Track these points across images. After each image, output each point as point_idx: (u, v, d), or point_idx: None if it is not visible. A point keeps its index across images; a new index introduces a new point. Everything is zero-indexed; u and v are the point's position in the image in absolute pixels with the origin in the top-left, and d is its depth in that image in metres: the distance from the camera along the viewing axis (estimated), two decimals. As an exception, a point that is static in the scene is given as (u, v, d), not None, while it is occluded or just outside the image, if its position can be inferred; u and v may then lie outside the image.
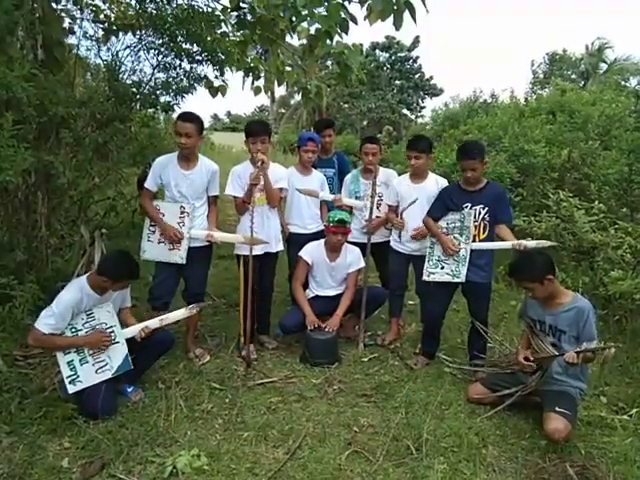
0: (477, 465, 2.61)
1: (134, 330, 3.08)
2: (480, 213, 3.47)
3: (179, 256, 3.49)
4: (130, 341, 3.05)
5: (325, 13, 3.92)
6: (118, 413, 2.93)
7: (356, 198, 4.22)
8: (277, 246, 3.83)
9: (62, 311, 2.84)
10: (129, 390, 3.13)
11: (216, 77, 4.97)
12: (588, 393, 3.20)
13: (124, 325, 3.15)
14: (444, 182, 3.88)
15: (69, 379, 2.86)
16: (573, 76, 26.53)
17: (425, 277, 3.64)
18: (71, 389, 2.86)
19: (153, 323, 3.13)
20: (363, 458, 2.66)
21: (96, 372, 2.93)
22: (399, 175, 4.28)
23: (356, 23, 3.87)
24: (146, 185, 3.53)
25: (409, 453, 2.69)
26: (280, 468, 2.54)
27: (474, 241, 3.48)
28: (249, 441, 2.76)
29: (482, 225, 3.48)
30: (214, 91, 5.09)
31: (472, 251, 3.47)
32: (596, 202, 4.95)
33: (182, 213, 3.48)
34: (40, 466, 2.48)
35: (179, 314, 3.22)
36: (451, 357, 3.76)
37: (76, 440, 2.67)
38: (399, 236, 3.96)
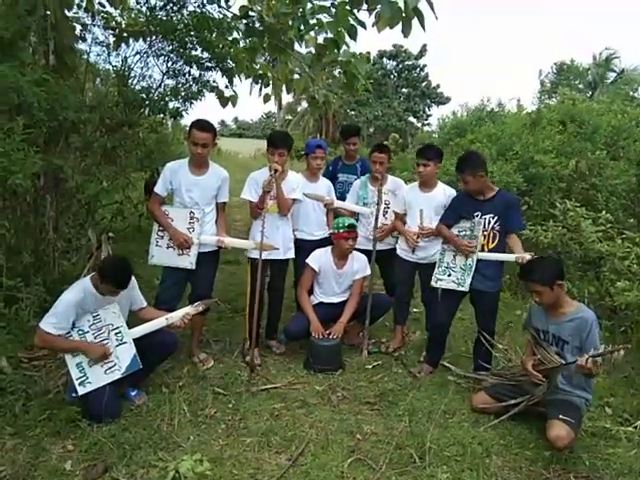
0: (480, 475, 2.59)
1: (141, 331, 3.10)
2: (490, 222, 3.46)
3: (189, 262, 3.49)
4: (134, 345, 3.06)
5: (333, 19, 3.95)
6: (122, 417, 2.93)
7: (364, 204, 4.22)
8: (287, 253, 3.84)
9: (64, 310, 2.86)
10: (133, 394, 3.14)
11: (226, 87, 5.02)
12: (593, 404, 3.17)
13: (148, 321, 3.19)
14: (452, 192, 3.87)
15: (78, 381, 2.87)
16: (580, 86, 26.48)
17: (433, 283, 3.64)
18: (81, 390, 2.86)
19: (159, 322, 3.15)
20: (366, 466, 2.65)
21: (105, 373, 2.94)
22: (406, 182, 4.29)
23: (365, 28, 3.89)
24: (156, 190, 3.54)
25: (412, 462, 2.68)
26: (283, 474, 2.53)
27: (482, 250, 3.48)
28: (252, 447, 2.76)
29: (492, 234, 3.47)
30: (224, 101, 5.13)
31: (479, 260, 3.47)
32: (603, 212, 4.93)
33: (192, 219, 3.50)
34: (43, 468, 2.48)
35: (184, 311, 3.24)
36: (455, 366, 3.75)
37: (79, 443, 2.68)
38: (412, 250, 3.94)
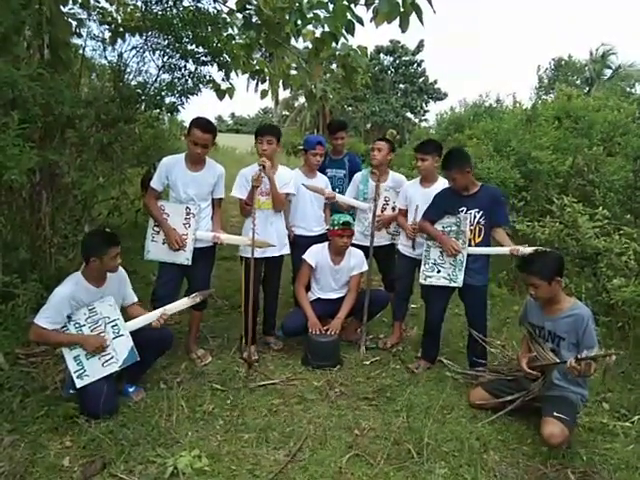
0: (478, 470, 2.60)
1: (137, 323, 3.09)
2: (475, 217, 3.47)
3: (185, 257, 3.49)
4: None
5: (331, 15, 3.93)
6: (119, 413, 2.93)
7: (364, 199, 4.21)
8: (281, 250, 3.84)
9: (57, 304, 2.85)
10: (131, 390, 3.13)
11: (223, 80, 5.00)
12: (590, 399, 3.18)
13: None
14: None
15: (76, 374, 2.86)
16: (578, 82, 26.51)
17: (422, 280, 3.64)
18: (79, 383, 2.85)
19: (155, 314, 3.13)
20: (364, 461, 2.65)
21: (102, 365, 2.93)
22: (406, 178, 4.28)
23: (362, 24, 3.88)
24: (152, 184, 3.53)
25: (410, 457, 2.69)
26: (281, 470, 2.53)
27: (470, 245, 3.48)
28: (250, 443, 2.76)
29: (477, 229, 3.48)
30: (221, 94, 5.10)
31: (468, 255, 3.47)
32: (600, 208, 4.93)
33: (188, 214, 3.48)
34: (41, 465, 2.48)
35: (181, 304, 3.23)
36: (453, 361, 3.76)
37: (77, 439, 2.67)
38: (412, 246, 3.93)
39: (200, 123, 3.39)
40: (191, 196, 3.50)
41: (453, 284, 3.51)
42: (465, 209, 3.48)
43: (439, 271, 3.56)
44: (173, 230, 3.45)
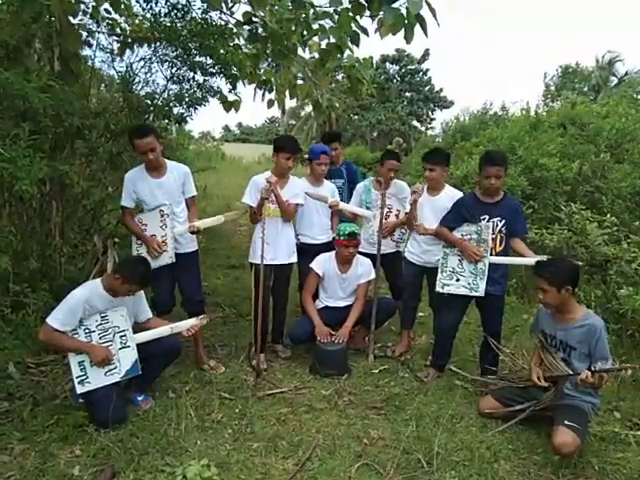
0: (489, 480, 2.58)
1: (146, 336, 3.10)
2: (497, 226, 3.43)
3: (168, 257, 3.46)
4: (138, 350, 3.06)
5: (336, 25, 3.96)
6: (129, 422, 2.94)
7: (367, 209, 4.22)
8: (290, 258, 3.86)
9: (71, 306, 2.87)
10: (139, 399, 3.15)
11: (230, 91, 5.03)
12: (602, 408, 3.15)
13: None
14: (459, 194, 3.83)
15: (78, 379, 2.89)
16: (585, 89, 26.47)
17: (439, 288, 3.59)
18: (79, 389, 2.88)
19: (164, 330, 3.15)
20: (373, 471, 2.64)
21: (105, 374, 2.96)
22: (409, 186, 4.28)
23: (367, 35, 3.90)
24: (122, 204, 3.49)
25: (420, 466, 2.67)
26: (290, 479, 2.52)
27: (491, 254, 3.45)
28: (259, 452, 2.76)
29: (499, 238, 3.44)
30: (228, 106, 5.14)
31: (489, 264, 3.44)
32: (608, 215, 4.91)
33: (162, 216, 3.46)
34: (51, 473, 2.49)
35: (189, 323, 3.24)
36: (462, 369, 3.73)
37: (87, 448, 2.69)
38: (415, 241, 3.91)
39: (135, 132, 3.35)
40: (163, 202, 3.46)
41: (474, 293, 3.46)
42: (487, 217, 3.44)
43: (458, 279, 3.51)
44: (152, 237, 3.45)
